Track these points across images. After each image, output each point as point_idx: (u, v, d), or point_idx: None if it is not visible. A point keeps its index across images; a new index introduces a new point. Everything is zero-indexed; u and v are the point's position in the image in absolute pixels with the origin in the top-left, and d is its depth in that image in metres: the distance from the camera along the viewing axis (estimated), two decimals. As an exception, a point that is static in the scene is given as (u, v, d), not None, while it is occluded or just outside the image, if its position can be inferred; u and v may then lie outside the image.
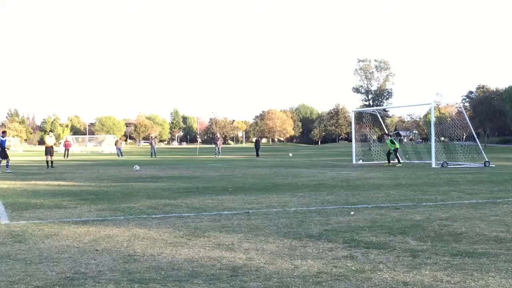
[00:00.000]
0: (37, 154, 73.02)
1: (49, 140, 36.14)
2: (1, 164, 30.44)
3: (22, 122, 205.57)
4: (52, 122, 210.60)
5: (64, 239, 9.11)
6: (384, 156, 38.19)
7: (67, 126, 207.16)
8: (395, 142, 35.72)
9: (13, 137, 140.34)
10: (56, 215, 12.10)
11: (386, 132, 41.89)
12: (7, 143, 33.87)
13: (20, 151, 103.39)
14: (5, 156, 31.00)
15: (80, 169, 33.55)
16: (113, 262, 7.37)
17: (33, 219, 11.51)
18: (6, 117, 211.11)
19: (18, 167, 37.05)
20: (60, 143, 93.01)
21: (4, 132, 33.46)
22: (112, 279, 6.48)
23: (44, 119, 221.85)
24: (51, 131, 36.48)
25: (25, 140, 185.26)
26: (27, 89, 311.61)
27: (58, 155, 58.15)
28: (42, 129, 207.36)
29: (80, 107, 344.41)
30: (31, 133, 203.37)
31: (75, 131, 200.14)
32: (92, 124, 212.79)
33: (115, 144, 67.95)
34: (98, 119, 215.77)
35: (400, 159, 35.48)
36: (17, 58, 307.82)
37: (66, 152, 60.15)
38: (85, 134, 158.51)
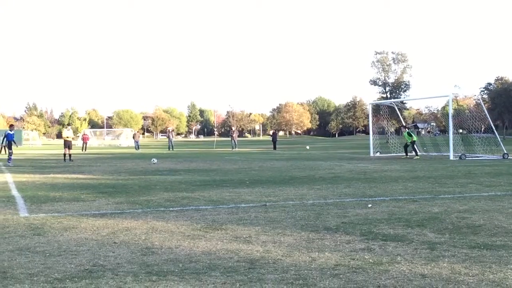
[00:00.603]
0: (55, 147, 73.43)
1: (67, 133, 36.30)
2: (12, 157, 30.91)
3: (40, 115, 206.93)
4: (70, 116, 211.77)
5: (83, 232, 9.16)
6: (401, 148, 38.05)
7: (85, 119, 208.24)
8: (412, 135, 35.56)
9: (32, 130, 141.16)
10: (75, 208, 12.17)
11: (404, 125, 41.64)
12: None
13: (39, 144, 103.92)
14: (10, 148, 31.64)
15: (98, 162, 33.69)
16: (131, 255, 7.40)
17: (52, 212, 11.58)
18: (25, 111, 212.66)
19: (36, 160, 37.32)
20: (78, 136, 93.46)
21: (11, 126, 34.31)
22: (130, 272, 6.51)
23: (62, 113, 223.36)
24: (69, 124, 36.66)
25: (44, 133, 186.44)
26: (46, 83, 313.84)
27: (76, 148, 58.50)
28: (60, 122, 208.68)
29: (98, 100, 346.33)
30: (49, 127, 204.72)
31: (93, 124, 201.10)
32: (109, 118, 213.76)
33: (133, 137, 68.13)
34: (116, 113, 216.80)
35: (417, 151, 35.32)
36: (36, 53, 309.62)
37: (84, 146, 60.41)
38: (103, 128, 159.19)
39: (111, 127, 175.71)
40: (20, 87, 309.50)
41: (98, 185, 17.51)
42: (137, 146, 61.65)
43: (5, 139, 32.45)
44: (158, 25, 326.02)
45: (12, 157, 30.96)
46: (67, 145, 34.90)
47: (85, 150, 57.68)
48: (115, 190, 15.86)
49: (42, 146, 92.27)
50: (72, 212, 11.60)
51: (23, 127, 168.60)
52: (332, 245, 7.87)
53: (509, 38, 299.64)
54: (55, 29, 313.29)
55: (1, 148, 40.14)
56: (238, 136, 73.70)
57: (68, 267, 6.79)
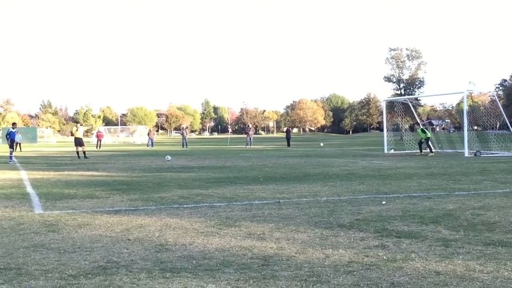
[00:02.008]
0: (69, 145, 73.65)
1: (78, 132, 36.30)
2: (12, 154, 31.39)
3: (55, 113, 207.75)
4: (84, 113, 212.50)
5: (97, 229, 9.19)
6: (415, 145, 37.92)
7: (99, 117, 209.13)
8: (426, 131, 35.41)
9: (47, 128, 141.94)
10: (89, 205, 12.22)
11: (418, 122, 41.51)
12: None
13: (53, 142, 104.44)
14: (12, 147, 32.20)
15: (112, 159, 33.80)
16: (145, 252, 7.42)
17: (67, 209, 11.63)
18: (40, 109, 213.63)
19: (51, 157, 37.52)
20: (92, 134, 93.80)
21: (14, 124, 35.09)
22: (144, 268, 6.53)
23: (76, 110, 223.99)
24: (77, 122, 37.00)
25: (58, 131, 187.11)
26: (61, 81, 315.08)
27: (91, 145, 58.74)
28: (75, 120, 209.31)
29: (112, 98, 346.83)
30: (64, 124, 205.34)
31: (107, 122, 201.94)
32: (123, 115, 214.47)
33: (148, 135, 68.35)
34: (130, 110, 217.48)
35: (432, 148, 35.19)
36: (52, 51, 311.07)
37: (99, 143, 60.74)
38: (117, 125, 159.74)
39: (125, 125, 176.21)
40: (36, 84, 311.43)
41: (112, 182, 17.57)
42: (151, 144, 61.80)
43: (8, 136, 32.93)
44: (173, 22, 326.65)
45: (13, 155, 31.31)
46: (78, 142, 34.98)
47: (100, 148, 57.94)
48: (129, 187, 15.91)
49: (56, 144, 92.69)
50: (87, 209, 11.65)
51: (38, 125, 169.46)
52: (346, 242, 7.86)
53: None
54: (71, 27, 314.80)
55: (16, 145, 40.40)
56: (253, 134, 73.69)
57: (82, 263, 6.81)
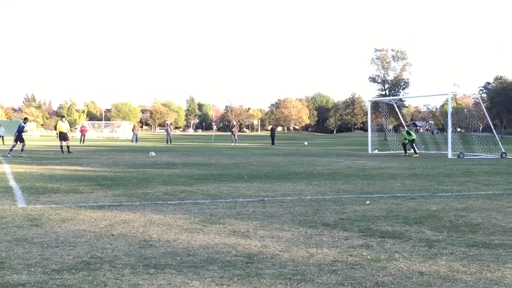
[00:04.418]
0: (53, 139, 73.27)
1: (63, 125, 36.08)
2: (15, 148, 31.13)
3: (38, 107, 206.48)
4: (68, 108, 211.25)
5: (81, 224, 9.16)
6: (399, 146, 38.07)
7: (83, 111, 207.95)
8: (411, 133, 35.54)
9: (30, 122, 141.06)
10: (73, 200, 12.17)
11: (403, 123, 41.65)
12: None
13: (37, 136, 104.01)
14: (22, 140, 31.80)
15: (96, 154, 33.67)
16: (129, 247, 7.40)
17: (50, 203, 11.58)
18: (23, 102, 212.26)
19: (34, 151, 37.27)
20: (76, 128, 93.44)
21: (26, 119, 35.16)
22: (128, 264, 6.51)
23: (60, 105, 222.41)
24: (63, 116, 36.61)
25: (42, 125, 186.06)
26: (45, 75, 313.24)
27: (75, 140, 58.46)
28: (58, 114, 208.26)
29: (97, 93, 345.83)
30: (47, 118, 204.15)
31: (91, 116, 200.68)
32: (108, 110, 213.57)
33: (132, 130, 68.08)
34: (114, 105, 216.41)
35: (416, 149, 35.31)
36: (35, 44, 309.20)
37: (82, 138, 60.49)
38: (101, 120, 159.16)
39: (109, 120, 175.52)
40: (19, 78, 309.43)
41: (96, 177, 17.51)
42: (135, 139, 61.66)
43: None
44: (158, 19, 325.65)
45: (13, 149, 31.12)
46: (63, 137, 34.85)
47: (83, 142, 57.68)
48: (113, 183, 15.85)
49: (40, 138, 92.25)
50: (70, 203, 11.60)
51: (21, 118, 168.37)
52: (330, 241, 7.87)
53: (508, 37, 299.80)
54: (55, 20, 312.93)
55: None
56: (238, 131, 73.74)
57: (65, 258, 6.78)
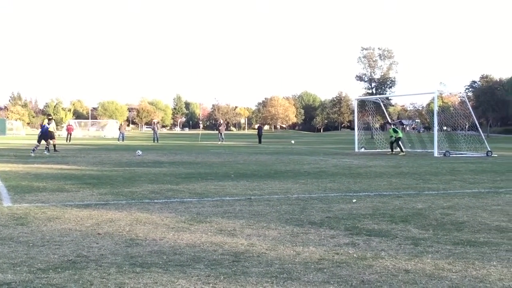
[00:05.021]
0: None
1: (50, 125, 35.86)
2: (39, 148, 31.50)
3: (24, 105, 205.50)
4: (54, 106, 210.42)
5: (67, 223, 9.12)
6: (386, 144, 38.17)
7: (69, 110, 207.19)
8: (398, 131, 35.63)
9: (16, 120, 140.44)
10: (59, 199, 12.12)
11: (389, 121, 41.77)
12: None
13: (23, 134, 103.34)
14: (46, 139, 32.37)
15: (82, 153, 33.54)
16: (115, 246, 7.38)
17: (36, 202, 11.53)
18: (9, 101, 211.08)
19: (20, 150, 37.08)
20: (62, 127, 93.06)
21: (50, 119, 35.46)
22: (114, 263, 6.49)
23: (46, 103, 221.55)
24: (49, 115, 36.69)
25: (28, 123, 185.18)
26: (31, 73, 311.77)
27: (61, 139, 58.18)
28: (44, 113, 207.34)
29: (83, 91, 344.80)
30: (33, 117, 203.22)
31: (78, 115, 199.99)
32: (94, 109, 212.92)
33: (119, 129, 67.91)
34: (101, 104, 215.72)
35: (403, 147, 35.41)
36: (21, 42, 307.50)
37: (69, 136, 60.20)
38: (88, 119, 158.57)
39: (96, 118, 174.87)
40: (5, 76, 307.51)
41: (82, 176, 17.45)
42: (122, 138, 61.53)
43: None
44: (145, 17, 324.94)
45: (36, 149, 31.19)
46: (49, 136, 34.69)
47: (70, 141, 57.41)
48: (99, 181, 15.80)
49: (26, 136, 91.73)
50: (56, 202, 11.55)
51: (7, 117, 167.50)
52: (316, 240, 7.89)
53: (494, 36, 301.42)
54: (41, 18, 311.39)
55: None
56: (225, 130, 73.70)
57: (51, 257, 6.76)
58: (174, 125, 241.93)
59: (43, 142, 32.59)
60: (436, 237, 8.09)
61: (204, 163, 24.19)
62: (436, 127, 34.46)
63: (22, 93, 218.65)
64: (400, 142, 35.19)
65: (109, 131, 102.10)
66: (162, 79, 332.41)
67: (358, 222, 9.29)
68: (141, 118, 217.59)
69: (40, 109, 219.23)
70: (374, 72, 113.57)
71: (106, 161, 25.61)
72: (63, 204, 11.27)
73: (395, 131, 35.33)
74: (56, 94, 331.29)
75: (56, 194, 12.95)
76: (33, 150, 30.79)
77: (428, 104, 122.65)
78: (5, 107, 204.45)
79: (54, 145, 34.42)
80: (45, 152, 31.85)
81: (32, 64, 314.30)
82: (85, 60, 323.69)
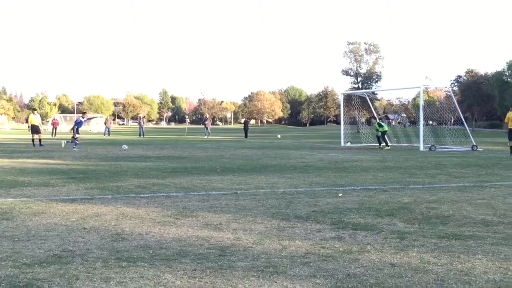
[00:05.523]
0: (24, 132, 72.57)
1: (34, 118, 35.75)
2: (76, 141, 31.84)
3: (9, 100, 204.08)
4: (40, 101, 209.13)
5: (52, 217, 9.09)
6: (372, 139, 38.29)
7: (55, 104, 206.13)
8: (383, 125, 35.73)
9: (1, 115, 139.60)
10: (44, 193, 12.06)
11: (375, 116, 41.91)
12: None
13: (8, 129, 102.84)
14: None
15: (68, 147, 33.38)
16: (101, 241, 7.36)
17: (21, 197, 11.47)
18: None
19: (5, 145, 36.90)
20: (47, 121, 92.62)
21: (84, 113, 37.01)
22: (100, 257, 6.47)
23: (32, 98, 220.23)
24: (34, 109, 36.62)
25: (13, 118, 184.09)
26: (15, 67, 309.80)
27: (46, 133, 57.93)
28: (30, 107, 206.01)
29: (68, 86, 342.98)
30: (18, 111, 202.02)
31: (63, 109, 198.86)
32: (80, 103, 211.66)
33: (105, 123, 67.74)
34: (86, 98, 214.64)
35: (388, 142, 35.53)
36: (5, 36, 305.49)
37: (54, 131, 59.96)
38: (73, 113, 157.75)
39: (81, 113, 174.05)
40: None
41: (68, 171, 17.37)
42: (108, 132, 61.36)
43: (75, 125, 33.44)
44: (130, 11, 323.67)
45: (78, 142, 31.97)
46: (35, 130, 34.61)
47: (55, 135, 57.17)
48: (85, 176, 15.75)
49: (11, 131, 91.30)
50: (41, 197, 11.50)
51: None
52: (302, 234, 7.90)
53: (479, 31, 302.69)
54: (25, 12, 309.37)
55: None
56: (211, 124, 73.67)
57: (37, 252, 6.73)
58: (160, 119, 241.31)
59: (41, 136, 33.14)
60: (422, 231, 8.12)
61: (190, 158, 24.16)
62: (422, 122, 34.61)
63: (7, 88, 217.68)
64: (385, 137, 35.30)
65: (94, 125, 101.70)
66: (148, 74, 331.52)
67: (344, 216, 9.31)
68: (127, 113, 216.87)
69: (25, 104, 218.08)
70: (360, 67, 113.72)
71: (92, 155, 25.53)
72: (48, 199, 11.22)
73: (379, 125, 35.43)
74: (41, 88, 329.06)
75: (42, 188, 12.89)
76: (75, 144, 31.40)
77: (414, 99, 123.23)
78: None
79: (40, 140, 34.30)
80: (39, 146, 32.53)
81: (17, 58, 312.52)
82: (71, 54, 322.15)
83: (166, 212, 9.67)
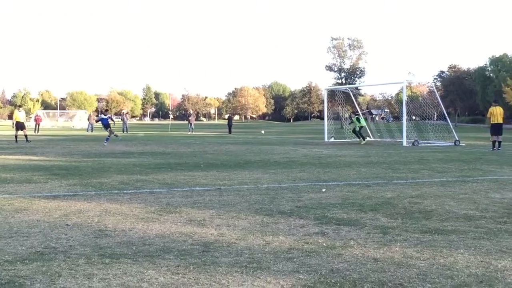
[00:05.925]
0: (7, 128, 72.20)
1: (19, 115, 35.64)
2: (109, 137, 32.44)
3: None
4: (22, 97, 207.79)
5: (35, 214, 9.03)
6: (353, 134, 38.46)
7: (37, 100, 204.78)
8: (361, 120, 35.87)
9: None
10: (26, 190, 12.00)
11: (353, 111, 42.09)
12: None
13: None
14: (107, 127, 33.62)
15: (50, 144, 33.25)
16: (84, 237, 7.33)
17: (3, 194, 11.40)
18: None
19: (-13, 141, 36.65)
20: (30, 118, 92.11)
21: (106, 110, 38.62)
22: (83, 254, 6.45)
23: (14, 94, 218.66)
24: (20, 106, 36.58)
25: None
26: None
27: (29, 130, 57.60)
28: (12, 103, 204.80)
29: (51, 81, 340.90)
30: (0, 108, 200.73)
31: (46, 106, 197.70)
32: (63, 99, 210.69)
33: (88, 119, 67.48)
34: (69, 94, 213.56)
35: (364, 137, 35.72)
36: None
37: (37, 127, 59.67)
38: (56, 109, 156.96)
39: (64, 109, 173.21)
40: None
41: (50, 167, 17.29)
42: (91, 129, 61.16)
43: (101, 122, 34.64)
44: (113, 6, 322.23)
45: (110, 137, 32.48)
46: (20, 126, 34.53)
47: (38, 132, 56.90)
48: (68, 172, 15.67)
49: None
50: (24, 193, 11.43)
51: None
52: (286, 229, 7.91)
53: (462, 27, 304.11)
54: (7, 7, 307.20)
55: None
56: (195, 120, 73.58)
57: (19, 249, 6.69)
58: (143, 115, 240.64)
59: (26, 132, 33.21)
60: (405, 225, 8.16)
61: (174, 154, 24.11)
62: (405, 117, 34.74)
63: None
64: (361, 131, 35.54)
65: (78, 121, 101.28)
66: (131, 69, 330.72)
67: (328, 212, 9.32)
68: (111, 109, 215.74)
69: (8, 100, 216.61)
70: (343, 62, 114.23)
71: (75, 152, 25.41)
72: (31, 196, 11.15)
73: (358, 120, 35.61)
74: (24, 84, 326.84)
75: (24, 185, 12.82)
76: (107, 139, 31.94)
77: (397, 94, 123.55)
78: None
79: (26, 136, 34.21)
80: (25, 142, 32.79)
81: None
82: (54, 50, 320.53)
83: (149, 208, 9.65)
